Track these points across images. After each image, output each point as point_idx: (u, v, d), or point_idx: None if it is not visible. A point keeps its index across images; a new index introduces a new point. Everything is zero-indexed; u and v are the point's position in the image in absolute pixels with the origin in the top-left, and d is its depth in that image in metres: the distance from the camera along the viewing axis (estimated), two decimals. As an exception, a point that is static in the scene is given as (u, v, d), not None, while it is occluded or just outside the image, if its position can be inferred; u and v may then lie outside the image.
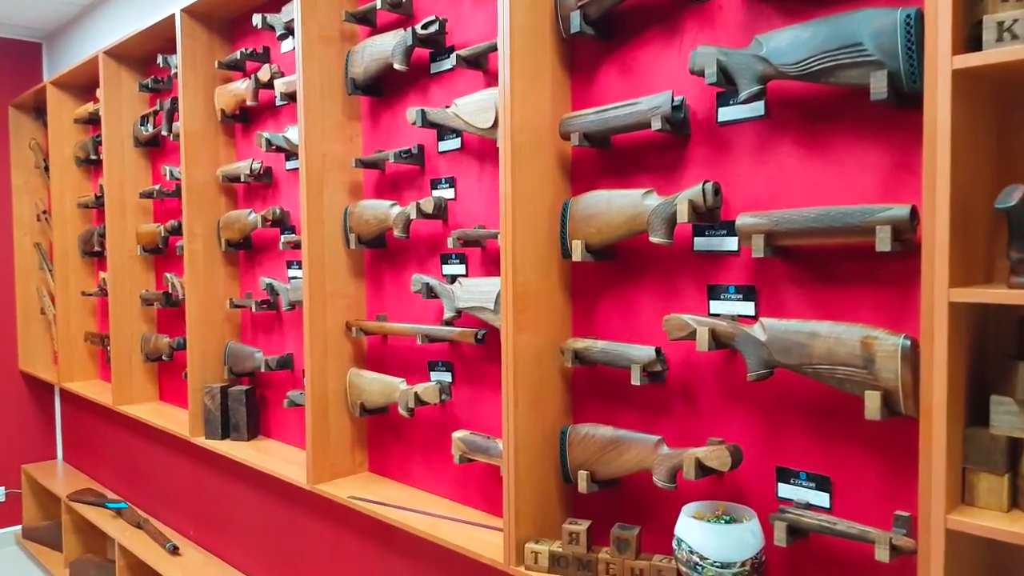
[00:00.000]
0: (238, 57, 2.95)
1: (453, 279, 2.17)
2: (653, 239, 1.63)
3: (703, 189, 1.55)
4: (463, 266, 2.21)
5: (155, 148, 3.80)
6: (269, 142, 2.77)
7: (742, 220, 1.51)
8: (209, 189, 3.15)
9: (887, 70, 1.32)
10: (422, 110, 2.16)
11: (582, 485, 1.77)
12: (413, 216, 2.20)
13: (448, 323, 2.17)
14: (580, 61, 1.91)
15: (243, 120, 3.11)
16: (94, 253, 4.29)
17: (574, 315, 1.94)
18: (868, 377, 1.33)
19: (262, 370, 2.88)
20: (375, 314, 2.54)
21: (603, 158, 1.86)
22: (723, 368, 1.65)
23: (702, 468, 1.54)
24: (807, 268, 1.52)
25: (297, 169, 2.79)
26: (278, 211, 2.82)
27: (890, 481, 1.42)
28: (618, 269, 1.84)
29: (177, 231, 3.41)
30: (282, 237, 2.78)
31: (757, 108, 1.58)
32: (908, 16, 1.31)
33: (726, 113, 1.63)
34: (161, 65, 3.40)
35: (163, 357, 3.60)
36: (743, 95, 1.49)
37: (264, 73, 2.81)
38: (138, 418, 3.62)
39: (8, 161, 4.84)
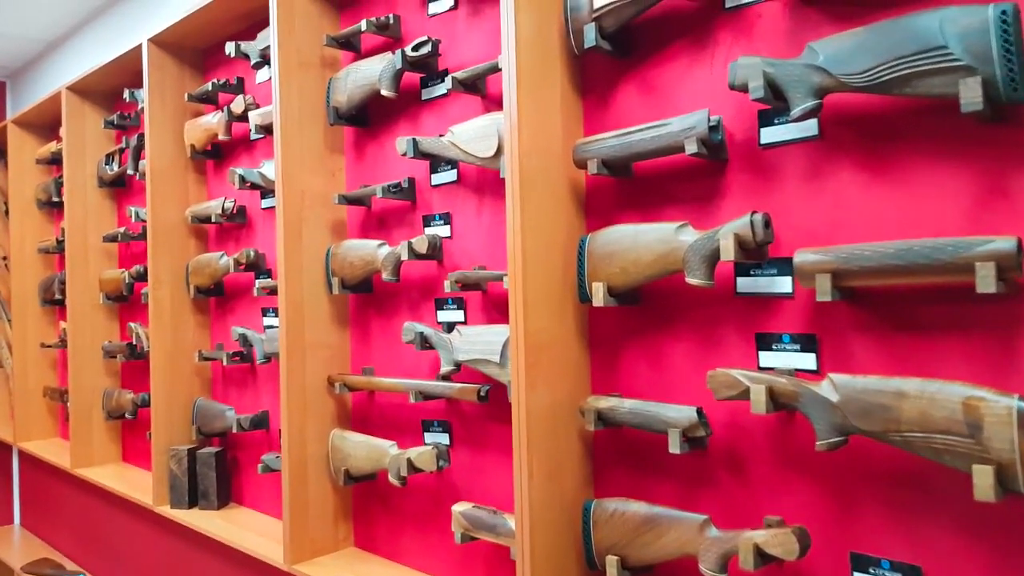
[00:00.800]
0: (209, 88, 2.71)
1: (451, 327, 1.91)
2: (691, 280, 1.39)
3: (751, 221, 1.32)
4: (461, 312, 1.96)
5: (120, 188, 3.53)
6: (243, 178, 2.53)
7: (802, 257, 1.27)
8: (177, 231, 2.89)
9: (980, 76, 1.10)
10: (414, 139, 1.92)
11: (611, 572, 1.50)
12: (404, 257, 1.95)
13: (445, 377, 1.91)
14: (593, 80, 1.69)
15: (215, 156, 2.87)
16: (55, 301, 3.99)
17: (593, 368, 1.69)
18: (975, 448, 1.08)
19: (234, 430, 2.59)
20: (361, 367, 2.28)
21: (623, 188, 1.63)
22: (779, 431, 1.40)
23: (762, 556, 1.28)
24: (879, 313, 1.28)
25: (274, 208, 2.54)
26: (252, 253, 2.56)
27: (999, 574, 1.16)
28: (645, 315, 1.60)
29: (142, 277, 3.14)
30: (257, 282, 2.51)
31: (809, 127, 1.36)
32: (1004, 12, 1.10)
33: (771, 134, 1.41)
34: (128, 100, 3.16)
35: (126, 415, 3.30)
36: (797, 111, 1.27)
37: (238, 105, 2.58)
38: (97, 483, 3.29)
39: (-34, 205, 4.56)
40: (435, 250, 1.94)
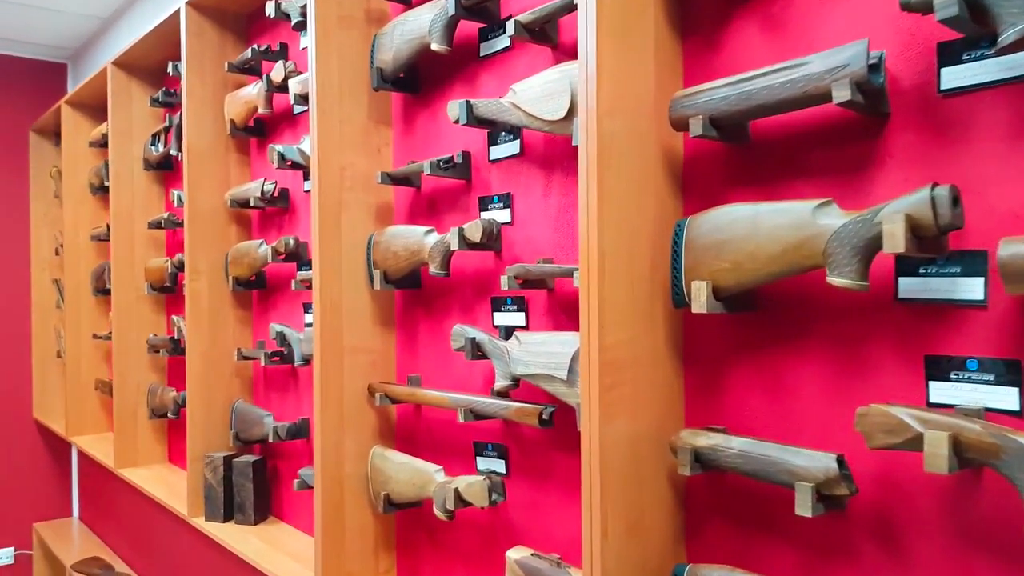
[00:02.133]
0: (250, 56, 2.43)
1: (509, 333, 1.56)
2: (835, 280, 0.99)
3: (932, 197, 0.92)
4: (522, 315, 1.61)
5: (167, 171, 3.31)
6: (282, 156, 2.23)
7: (1010, 249, 0.87)
8: (217, 217, 2.63)
9: None
10: (467, 102, 1.57)
11: (712, 671, 1.13)
12: (454, 246, 1.61)
13: (502, 394, 1.56)
14: (699, 16, 1.30)
15: (258, 133, 2.59)
16: (106, 291, 3.82)
17: (689, 393, 1.31)
18: None
19: (271, 439, 2.31)
20: (406, 375, 1.95)
21: (737, 157, 1.24)
22: (956, 496, 1.00)
23: None
24: None
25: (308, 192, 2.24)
26: (292, 242, 2.27)
27: None
28: (763, 325, 1.21)
29: (184, 267, 2.90)
30: (297, 274, 2.22)
31: (1018, 63, 0.95)
32: None
33: (955, 75, 1.00)
34: (172, 74, 2.92)
35: (169, 414, 3.07)
36: (1011, 34, 0.86)
37: (277, 72, 2.28)
38: (138, 487, 3.08)
39: (28, 190, 4.46)
40: (491, 238, 1.59)
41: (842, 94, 0.99)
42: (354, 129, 1.93)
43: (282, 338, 2.27)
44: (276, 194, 2.42)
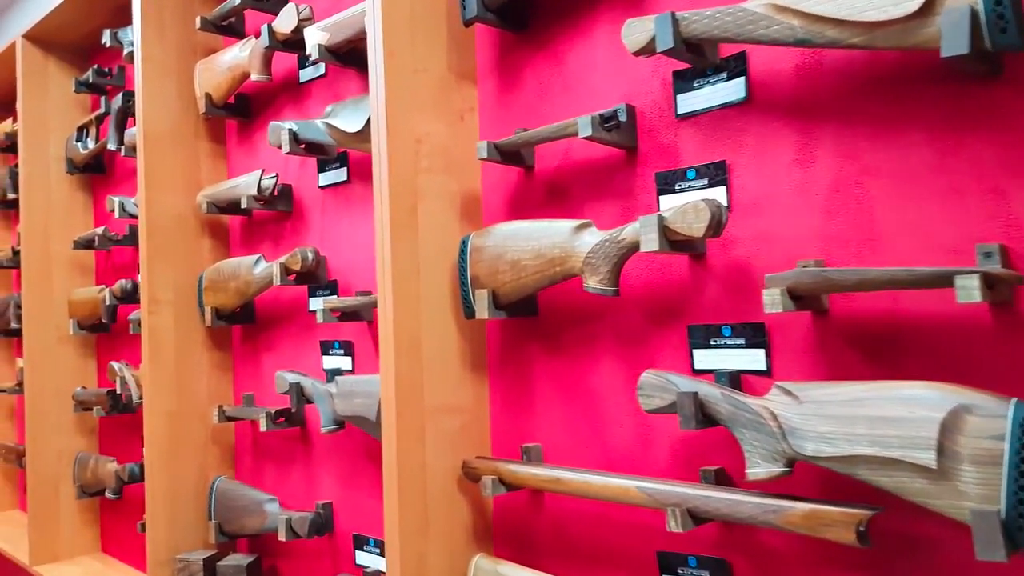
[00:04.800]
0: (237, 3, 1.77)
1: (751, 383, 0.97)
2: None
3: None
4: (762, 352, 1.02)
5: (97, 175, 2.56)
6: (296, 137, 1.58)
7: None
8: (185, 227, 1.93)
9: None
10: (671, 15, 0.99)
11: None
12: (650, 246, 1.00)
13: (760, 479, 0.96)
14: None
15: (240, 113, 1.92)
16: (10, 332, 3.00)
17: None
18: None
19: (282, 537, 1.62)
20: (509, 445, 1.32)
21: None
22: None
23: None
24: None
25: (339, 184, 1.61)
26: (311, 256, 1.61)
27: None
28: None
29: (131, 297, 2.17)
30: (319, 301, 1.57)
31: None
32: None
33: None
34: (109, 45, 2.21)
35: (107, 492, 2.31)
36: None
37: (285, 20, 1.63)
38: (65, 592, 2.30)
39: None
40: (718, 228, 1.00)
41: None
42: (431, 83, 1.31)
43: (298, 392, 1.60)
44: (275, 192, 1.76)
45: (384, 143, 1.23)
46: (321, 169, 1.71)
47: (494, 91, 1.36)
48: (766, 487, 0.96)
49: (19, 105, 2.51)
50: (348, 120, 1.48)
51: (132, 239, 2.33)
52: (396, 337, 1.22)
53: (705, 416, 0.97)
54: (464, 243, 1.26)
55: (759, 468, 0.92)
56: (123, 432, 2.43)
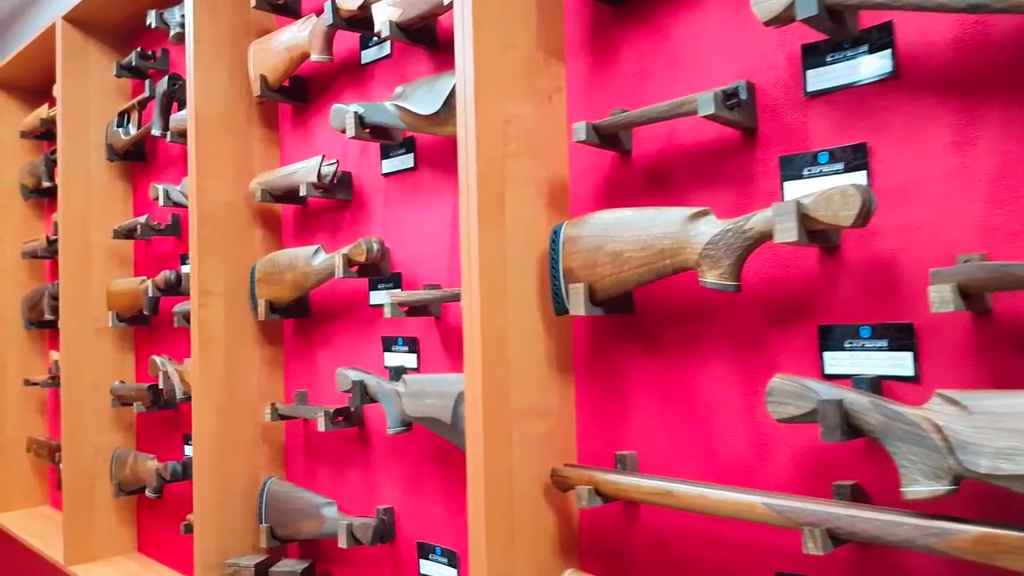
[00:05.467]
0: (296, -21, 1.68)
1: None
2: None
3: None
4: (910, 356, 0.92)
5: (138, 162, 2.48)
6: (362, 121, 1.49)
7: None
8: (236, 216, 1.84)
9: None
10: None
11: None
12: (787, 236, 0.90)
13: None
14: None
15: (296, 96, 1.83)
16: (44, 323, 2.94)
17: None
18: None
19: (343, 544, 1.53)
20: (600, 451, 1.23)
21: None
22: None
23: None
24: None
25: (403, 171, 1.52)
26: (376, 246, 1.52)
27: None
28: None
29: (175, 288, 2.09)
30: (384, 295, 1.48)
31: None
32: None
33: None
34: (154, 26, 2.13)
35: (148, 491, 2.23)
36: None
37: (350, -4, 1.54)
38: (103, 594, 2.23)
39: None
40: (867, 215, 0.90)
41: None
42: (520, 61, 1.22)
43: (362, 390, 1.51)
44: (335, 180, 1.67)
45: (472, 125, 1.14)
46: (384, 156, 1.62)
47: (585, 70, 1.27)
48: (918, 507, 0.86)
49: (58, 90, 2.44)
50: (422, 102, 1.39)
51: (175, 228, 2.26)
52: (484, 335, 1.13)
53: (850, 427, 0.87)
54: (556, 233, 1.16)
55: (919, 486, 0.82)
56: (162, 428, 2.36)
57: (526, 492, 1.18)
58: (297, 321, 1.86)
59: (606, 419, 1.23)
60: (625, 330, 1.21)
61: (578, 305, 1.12)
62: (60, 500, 2.97)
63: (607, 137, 1.16)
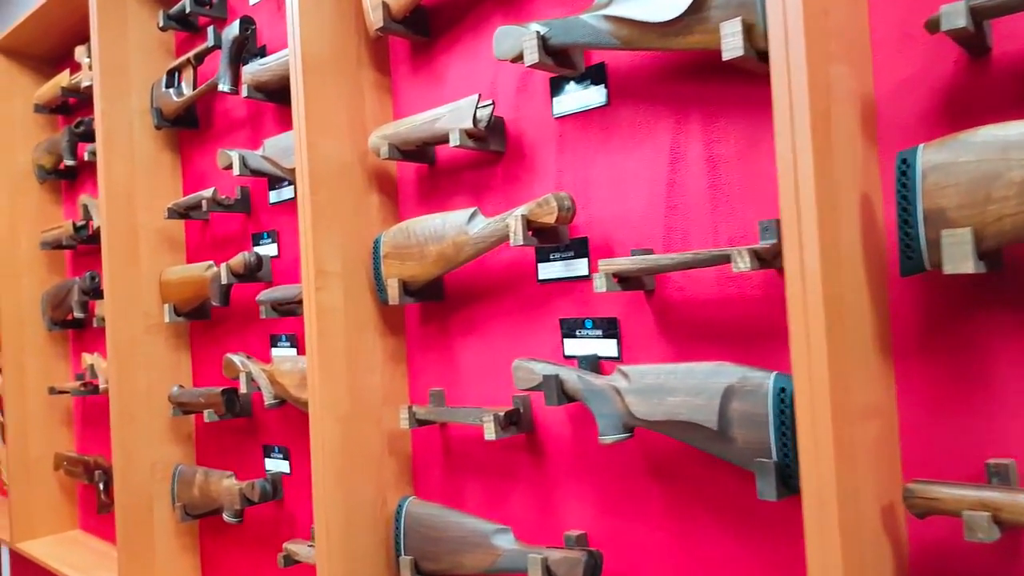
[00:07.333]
0: None
1: None
2: None
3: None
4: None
5: (188, 130, 2.12)
6: (546, 43, 1.15)
7: None
8: (351, 179, 1.50)
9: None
10: None
11: None
12: None
13: None
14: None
15: (419, 30, 1.48)
16: (70, 323, 2.57)
17: None
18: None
19: (535, 584, 1.20)
20: (937, 460, 0.91)
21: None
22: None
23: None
24: None
25: (590, 110, 1.19)
26: (568, 203, 1.18)
27: None
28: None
29: (253, 274, 1.75)
30: (599, 267, 1.15)
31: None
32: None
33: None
34: (215, -38, 1.78)
35: (224, 514, 1.88)
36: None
37: None
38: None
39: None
40: None
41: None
42: (833, -65, 0.89)
43: (558, 388, 1.17)
44: (490, 124, 1.33)
45: (800, 10, 0.81)
46: (555, 92, 1.28)
47: None
48: None
49: (94, 48, 2.07)
50: (653, 6, 1.05)
51: (244, 204, 1.91)
52: (827, 307, 0.81)
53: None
54: (907, 163, 0.84)
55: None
56: (230, 440, 2.01)
57: (870, 516, 0.87)
58: (424, 306, 1.52)
59: (953, 418, 0.91)
60: (985, 296, 0.89)
61: (960, 258, 0.80)
62: (91, 523, 2.62)
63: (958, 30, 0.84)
